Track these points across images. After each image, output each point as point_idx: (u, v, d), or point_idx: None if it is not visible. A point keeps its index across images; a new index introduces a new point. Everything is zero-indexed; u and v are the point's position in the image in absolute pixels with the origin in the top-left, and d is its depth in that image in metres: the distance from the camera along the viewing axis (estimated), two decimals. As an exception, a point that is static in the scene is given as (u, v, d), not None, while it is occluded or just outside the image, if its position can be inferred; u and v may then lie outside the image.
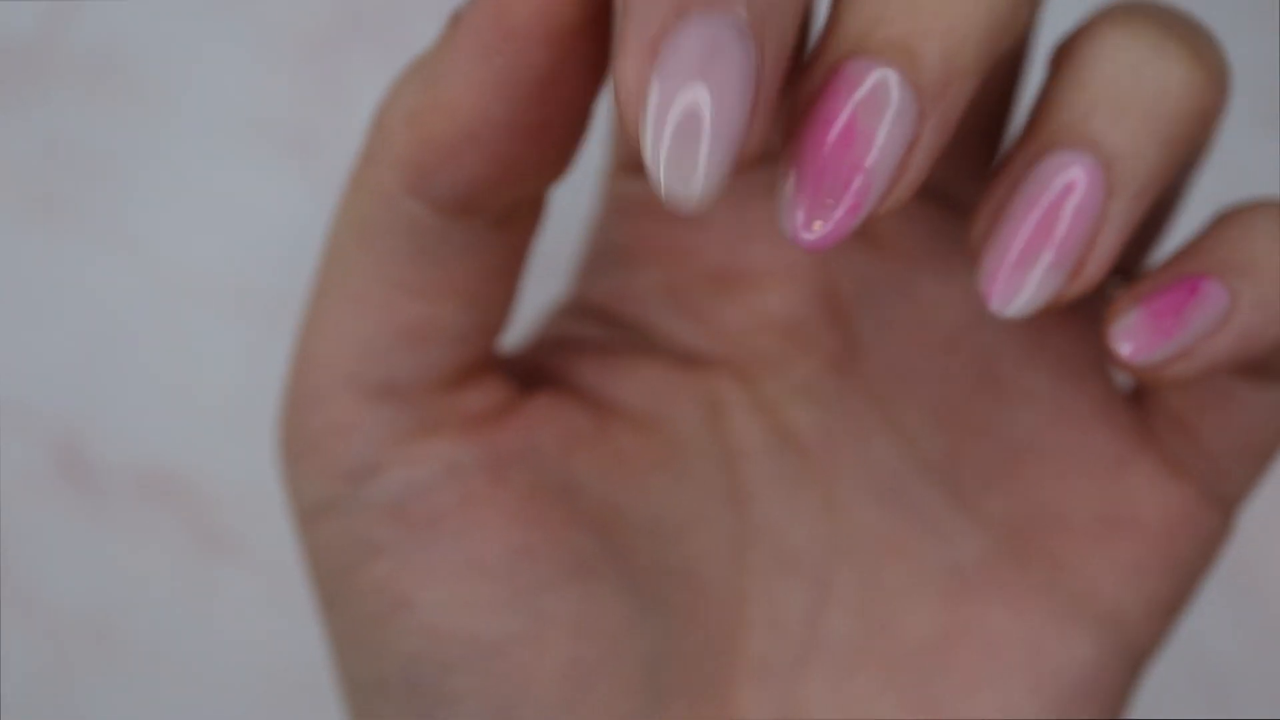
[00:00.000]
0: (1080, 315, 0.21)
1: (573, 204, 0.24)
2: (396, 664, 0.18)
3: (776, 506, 0.21)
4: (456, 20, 0.16)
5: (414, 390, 0.18)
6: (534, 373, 0.20)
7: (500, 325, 0.19)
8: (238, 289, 0.31)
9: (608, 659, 0.18)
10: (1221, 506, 0.20)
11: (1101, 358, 0.21)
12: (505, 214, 0.17)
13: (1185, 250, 0.17)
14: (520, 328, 0.23)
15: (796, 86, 0.15)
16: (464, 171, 0.16)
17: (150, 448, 0.31)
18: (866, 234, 0.21)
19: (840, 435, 0.21)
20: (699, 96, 0.13)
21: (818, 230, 0.15)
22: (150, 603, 0.30)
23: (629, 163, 0.21)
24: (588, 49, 0.15)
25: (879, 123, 0.14)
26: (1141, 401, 0.21)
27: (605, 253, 0.21)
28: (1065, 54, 0.17)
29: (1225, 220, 0.17)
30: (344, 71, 0.31)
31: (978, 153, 0.20)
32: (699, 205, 0.14)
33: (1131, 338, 0.17)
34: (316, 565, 0.19)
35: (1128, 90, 0.16)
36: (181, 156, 0.31)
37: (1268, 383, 0.19)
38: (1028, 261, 0.16)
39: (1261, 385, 0.19)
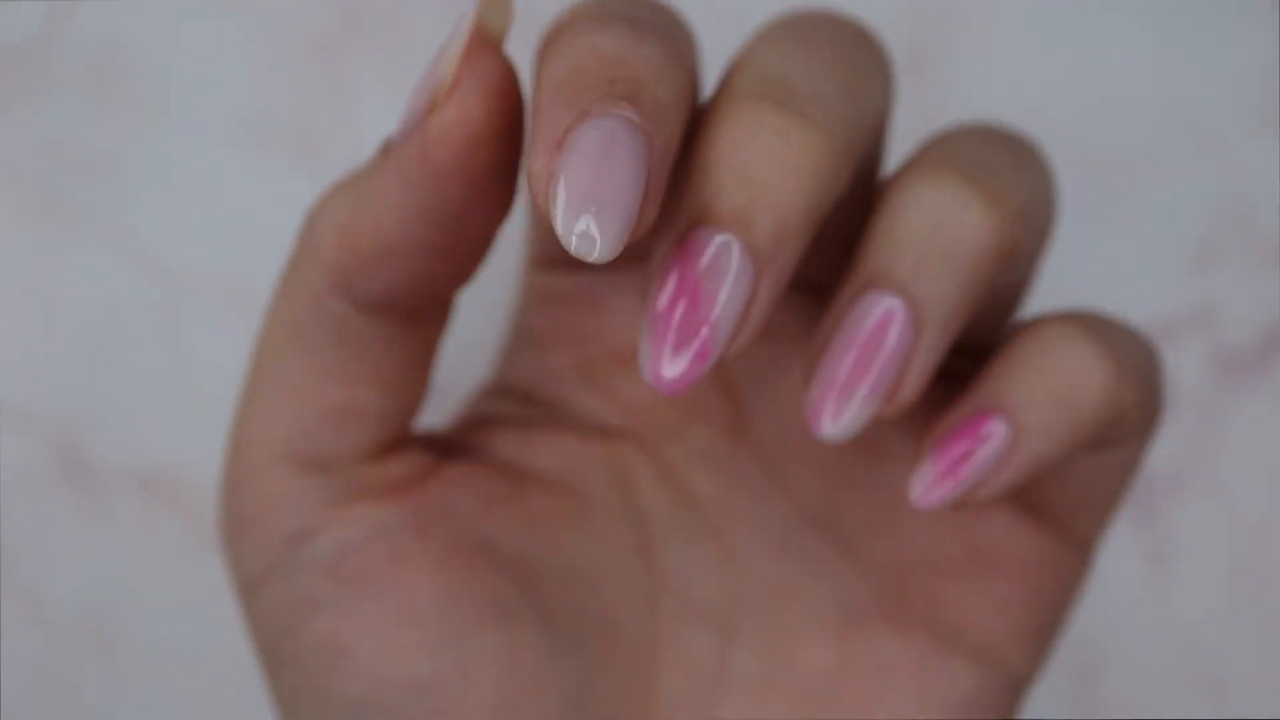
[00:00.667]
0: (939, 388, 0.22)
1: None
2: (343, 712, 0.20)
3: (681, 559, 0.23)
4: (386, 149, 0.18)
5: (340, 462, 0.20)
6: (454, 447, 0.22)
7: (415, 406, 0.21)
8: (238, 289, 0.31)
9: (533, 695, 0.20)
10: (1077, 547, 0.22)
11: None
12: (418, 313, 0.20)
13: (978, 383, 0.19)
14: (448, 409, 0.25)
15: (654, 250, 0.18)
16: (384, 279, 0.19)
17: (150, 447, 0.31)
18: None
19: (736, 495, 0.23)
20: (598, 178, 0.16)
21: (670, 376, 0.17)
22: (150, 602, 0.30)
23: (543, 258, 0.23)
24: (497, 186, 0.18)
25: (721, 284, 0.17)
26: None
27: (523, 338, 0.24)
28: (882, 199, 0.19)
29: (1008, 347, 0.20)
30: (344, 71, 0.31)
31: (844, 247, 0.22)
32: (601, 262, 0.16)
33: (925, 487, 0.19)
34: (260, 629, 0.21)
35: (928, 239, 0.18)
36: (182, 156, 0.31)
37: (1101, 450, 0.20)
38: (848, 392, 0.18)
39: (1096, 452, 0.21)
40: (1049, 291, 0.28)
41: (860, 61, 0.19)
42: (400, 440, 0.21)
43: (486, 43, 0.17)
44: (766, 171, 0.17)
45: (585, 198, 0.16)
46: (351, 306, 0.19)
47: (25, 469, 0.30)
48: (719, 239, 0.17)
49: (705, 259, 0.17)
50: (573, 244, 0.16)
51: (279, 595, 0.20)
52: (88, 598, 0.30)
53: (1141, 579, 0.31)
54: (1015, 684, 0.22)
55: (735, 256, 0.17)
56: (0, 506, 0.30)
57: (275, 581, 0.20)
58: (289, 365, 0.20)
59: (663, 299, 0.17)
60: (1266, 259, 0.32)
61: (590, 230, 0.16)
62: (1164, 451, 0.31)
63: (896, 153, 0.24)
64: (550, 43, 0.17)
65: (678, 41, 0.18)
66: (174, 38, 0.32)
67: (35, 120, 0.31)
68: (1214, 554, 0.31)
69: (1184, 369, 0.31)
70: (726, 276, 0.17)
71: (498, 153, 0.17)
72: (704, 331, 0.17)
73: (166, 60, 0.31)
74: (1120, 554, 0.31)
